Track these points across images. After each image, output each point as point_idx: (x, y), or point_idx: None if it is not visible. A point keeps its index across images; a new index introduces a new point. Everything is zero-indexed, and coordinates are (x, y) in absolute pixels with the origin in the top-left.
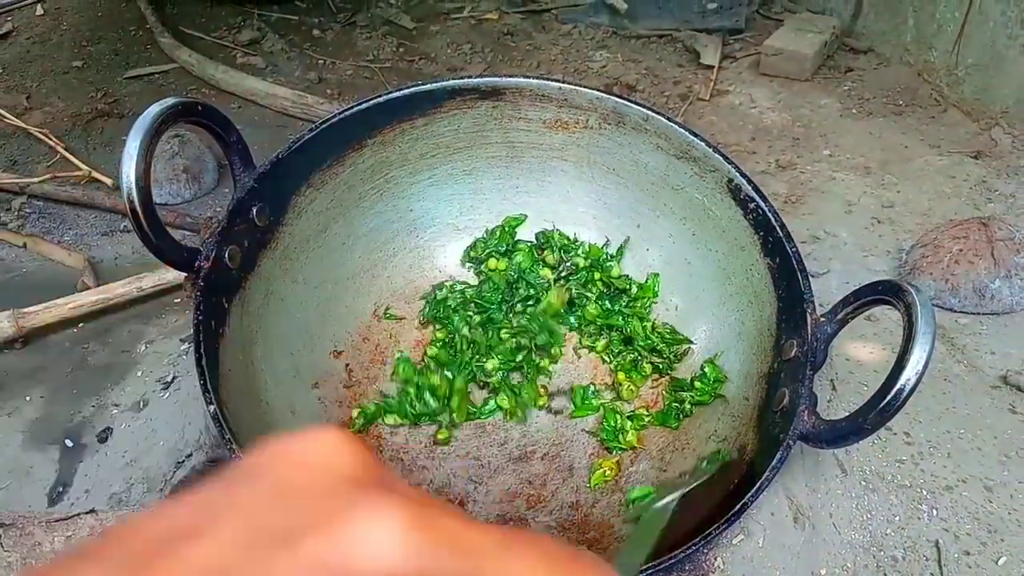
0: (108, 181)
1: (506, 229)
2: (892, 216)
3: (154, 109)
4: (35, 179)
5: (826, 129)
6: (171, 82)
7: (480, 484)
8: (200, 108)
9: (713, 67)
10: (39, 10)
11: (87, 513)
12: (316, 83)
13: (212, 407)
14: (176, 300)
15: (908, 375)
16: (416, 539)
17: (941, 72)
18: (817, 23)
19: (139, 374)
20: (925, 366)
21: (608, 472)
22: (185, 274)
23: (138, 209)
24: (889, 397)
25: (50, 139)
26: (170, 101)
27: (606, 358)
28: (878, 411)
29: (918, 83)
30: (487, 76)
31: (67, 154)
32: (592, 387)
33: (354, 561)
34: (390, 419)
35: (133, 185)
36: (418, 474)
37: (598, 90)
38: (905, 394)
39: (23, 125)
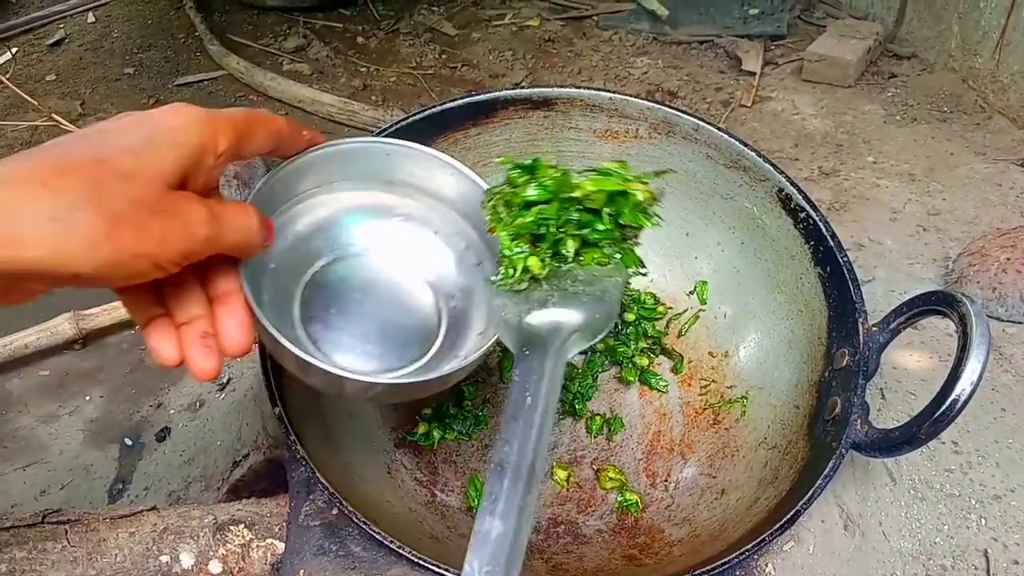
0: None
1: None
2: (938, 224)
3: None
4: None
5: (870, 136)
6: (220, 89)
7: None
8: None
9: (755, 73)
10: (91, 17)
11: (149, 510)
12: (361, 90)
13: (277, 409)
14: None
15: (963, 386)
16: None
17: (986, 78)
18: (860, 29)
19: None
20: (980, 377)
21: (612, 479)
22: None
23: None
24: (944, 407)
25: None
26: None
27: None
28: (932, 421)
29: (963, 89)
30: (539, 86)
31: None
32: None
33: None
34: (451, 435)
35: None
36: (469, 475)
37: (649, 100)
38: (960, 404)
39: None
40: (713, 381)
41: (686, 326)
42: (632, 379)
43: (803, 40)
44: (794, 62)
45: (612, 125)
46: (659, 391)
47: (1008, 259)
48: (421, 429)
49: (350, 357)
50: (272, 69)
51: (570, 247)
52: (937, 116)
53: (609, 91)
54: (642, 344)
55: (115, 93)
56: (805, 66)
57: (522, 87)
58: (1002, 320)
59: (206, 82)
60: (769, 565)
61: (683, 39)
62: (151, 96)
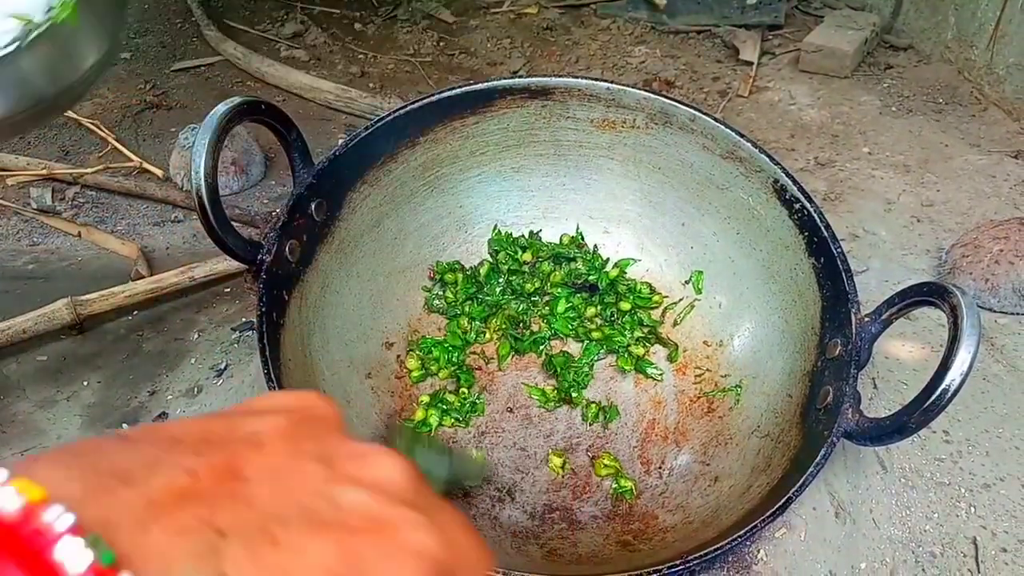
0: (158, 172)
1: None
2: (932, 215)
3: (221, 108)
4: (88, 170)
5: (865, 127)
6: (217, 75)
7: (527, 474)
8: (263, 107)
9: (752, 63)
10: None
11: None
12: (359, 76)
13: None
14: (226, 289)
15: (953, 376)
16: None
17: (982, 70)
18: (857, 19)
19: (192, 361)
20: (969, 368)
21: (607, 466)
22: (244, 266)
23: (206, 204)
24: (934, 397)
25: (101, 130)
26: (236, 100)
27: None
28: (922, 410)
29: (958, 81)
30: (536, 76)
31: (118, 145)
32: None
33: (380, 481)
34: (448, 421)
35: (202, 181)
36: None
37: (646, 90)
38: (949, 395)
39: (74, 116)
40: (708, 370)
41: (681, 315)
42: (628, 368)
43: (800, 30)
44: (791, 52)
45: (609, 115)
46: (654, 379)
47: (1001, 250)
48: (419, 415)
49: None
50: (269, 55)
51: None
52: (932, 107)
53: (606, 81)
54: (638, 333)
55: (112, 78)
56: (802, 56)
57: (520, 76)
58: (994, 311)
59: (203, 68)
60: (761, 551)
61: (681, 28)
62: (148, 81)
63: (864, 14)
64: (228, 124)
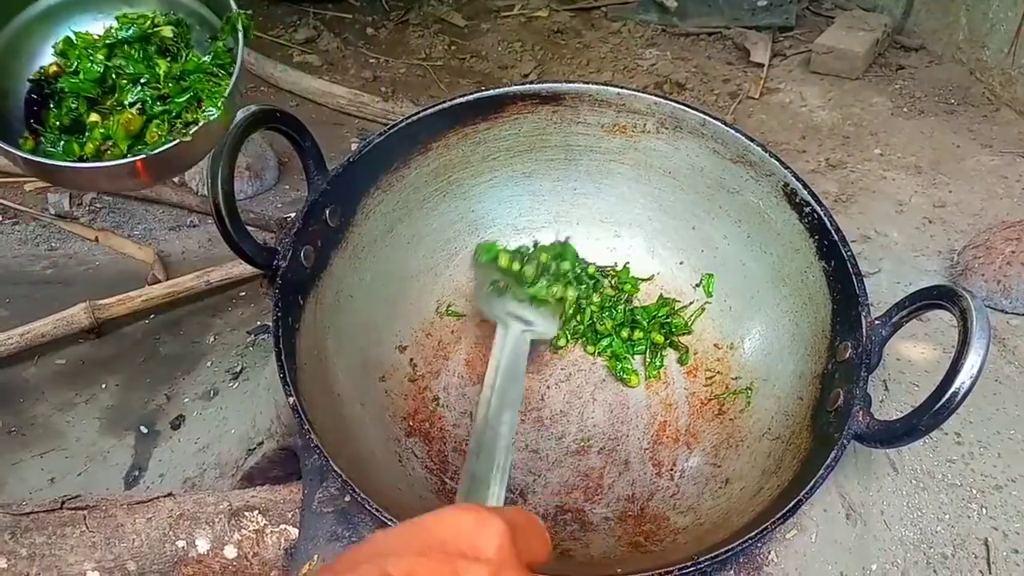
0: (174, 178)
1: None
2: (943, 216)
3: (237, 117)
4: None
5: (877, 128)
6: None
7: (539, 476)
8: (279, 115)
9: (763, 65)
10: None
11: (165, 496)
12: (371, 81)
13: (292, 399)
14: (242, 293)
15: (963, 379)
16: None
17: (994, 71)
18: (868, 20)
19: (209, 364)
20: (979, 371)
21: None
22: (260, 271)
23: (223, 211)
24: (943, 400)
25: None
26: (252, 109)
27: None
28: (932, 413)
29: (970, 82)
30: (548, 81)
31: None
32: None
33: None
34: None
35: (219, 188)
36: None
37: (656, 95)
38: (959, 397)
39: None
40: (718, 372)
41: (692, 318)
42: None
43: (811, 32)
44: (802, 54)
45: (620, 120)
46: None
47: (1013, 252)
48: None
49: None
50: (282, 60)
51: None
52: (944, 108)
53: (617, 86)
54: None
55: None
56: (813, 58)
57: (531, 80)
58: (1006, 312)
59: None
60: (772, 552)
61: (691, 30)
62: None
63: (875, 15)
64: (244, 132)
